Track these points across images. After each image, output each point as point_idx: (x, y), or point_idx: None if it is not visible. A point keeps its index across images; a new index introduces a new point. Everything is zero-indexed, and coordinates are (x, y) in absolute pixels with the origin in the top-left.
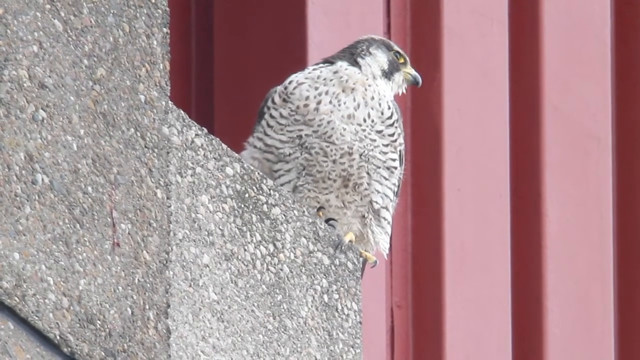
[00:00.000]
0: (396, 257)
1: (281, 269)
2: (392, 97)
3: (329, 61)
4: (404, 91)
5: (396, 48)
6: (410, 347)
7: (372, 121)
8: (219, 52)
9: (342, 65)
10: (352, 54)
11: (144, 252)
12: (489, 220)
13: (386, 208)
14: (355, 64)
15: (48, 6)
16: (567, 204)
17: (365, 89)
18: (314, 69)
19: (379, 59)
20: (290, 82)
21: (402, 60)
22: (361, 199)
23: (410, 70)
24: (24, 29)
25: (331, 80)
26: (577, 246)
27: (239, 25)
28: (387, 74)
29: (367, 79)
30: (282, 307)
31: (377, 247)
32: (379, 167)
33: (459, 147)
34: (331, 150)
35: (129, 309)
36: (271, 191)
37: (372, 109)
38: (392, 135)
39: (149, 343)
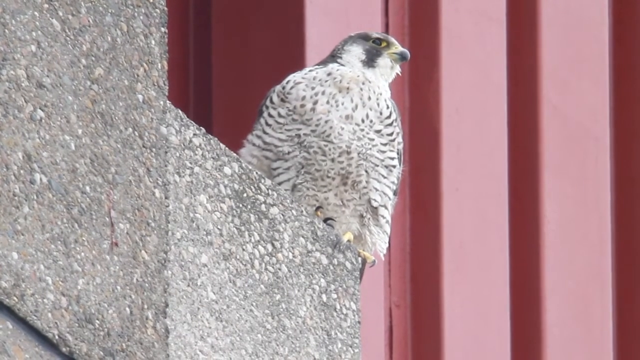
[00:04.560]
0: (394, 256)
1: (279, 269)
2: (389, 94)
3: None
4: (399, 72)
5: (375, 35)
6: (409, 346)
7: (371, 121)
8: (217, 52)
9: (333, 66)
10: (333, 56)
11: (143, 251)
12: (488, 220)
13: (385, 206)
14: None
15: (46, 6)
16: (566, 203)
17: (361, 88)
18: (310, 70)
19: (354, 52)
20: (287, 82)
21: (384, 45)
22: (360, 197)
23: (395, 49)
24: (22, 28)
25: (326, 81)
26: (576, 246)
27: (237, 25)
28: (368, 63)
29: (358, 76)
30: (280, 306)
31: (374, 248)
32: (377, 166)
33: (458, 146)
34: (329, 149)
35: (127, 309)
36: (269, 191)
37: (371, 109)
38: (391, 134)
39: (148, 342)
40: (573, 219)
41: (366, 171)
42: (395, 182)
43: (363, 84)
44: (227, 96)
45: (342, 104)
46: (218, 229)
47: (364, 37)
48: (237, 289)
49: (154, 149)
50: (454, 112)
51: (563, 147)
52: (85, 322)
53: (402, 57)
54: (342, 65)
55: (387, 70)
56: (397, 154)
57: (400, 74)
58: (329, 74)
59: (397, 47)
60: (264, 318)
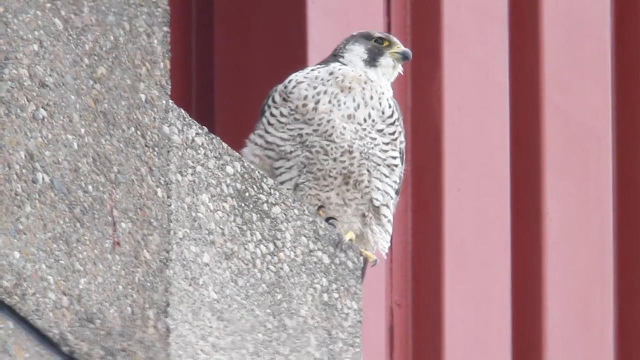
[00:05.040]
0: (396, 256)
1: (281, 268)
2: (391, 94)
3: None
4: (401, 71)
5: (377, 35)
6: (410, 346)
7: (373, 121)
8: (219, 51)
9: (335, 66)
10: (335, 56)
11: (145, 251)
12: (489, 220)
13: (387, 206)
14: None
15: (49, 5)
16: (568, 203)
17: (363, 88)
18: (312, 70)
19: (356, 52)
20: (290, 82)
21: (386, 44)
22: (362, 196)
23: (397, 49)
24: (24, 27)
25: (328, 81)
26: (578, 245)
27: (239, 25)
28: (370, 62)
29: (360, 76)
30: (282, 306)
31: (377, 247)
32: (379, 165)
33: (460, 146)
34: (332, 149)
35: (129, 308)
36: (272, 190)
37: (373, 109)
38: (393, 134)
39: (149, 342)
40: (575, 218)
41: (368, 171)
42: (398, 181)
43: (365, 83)
44: (229, 96)
45: (345, 103)
46: (220, 228)
47: (366, 37)
48: (239, 288)
49: (156, 149)
50: (456, 112)
51: (565, 147)
52: (87, 321)
53: (404, 56)
54: (345, 64)
55: (390, 69)
56: (400, 153)
57: (402, 74)
58: (331, 74)
59: (400, 47)
60: (265, 318)
